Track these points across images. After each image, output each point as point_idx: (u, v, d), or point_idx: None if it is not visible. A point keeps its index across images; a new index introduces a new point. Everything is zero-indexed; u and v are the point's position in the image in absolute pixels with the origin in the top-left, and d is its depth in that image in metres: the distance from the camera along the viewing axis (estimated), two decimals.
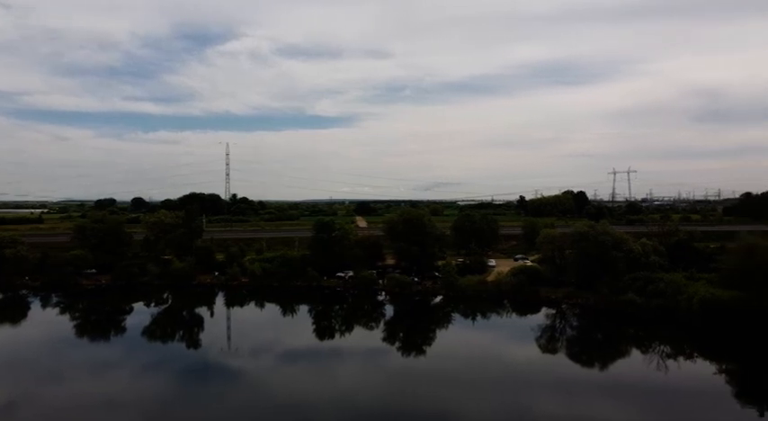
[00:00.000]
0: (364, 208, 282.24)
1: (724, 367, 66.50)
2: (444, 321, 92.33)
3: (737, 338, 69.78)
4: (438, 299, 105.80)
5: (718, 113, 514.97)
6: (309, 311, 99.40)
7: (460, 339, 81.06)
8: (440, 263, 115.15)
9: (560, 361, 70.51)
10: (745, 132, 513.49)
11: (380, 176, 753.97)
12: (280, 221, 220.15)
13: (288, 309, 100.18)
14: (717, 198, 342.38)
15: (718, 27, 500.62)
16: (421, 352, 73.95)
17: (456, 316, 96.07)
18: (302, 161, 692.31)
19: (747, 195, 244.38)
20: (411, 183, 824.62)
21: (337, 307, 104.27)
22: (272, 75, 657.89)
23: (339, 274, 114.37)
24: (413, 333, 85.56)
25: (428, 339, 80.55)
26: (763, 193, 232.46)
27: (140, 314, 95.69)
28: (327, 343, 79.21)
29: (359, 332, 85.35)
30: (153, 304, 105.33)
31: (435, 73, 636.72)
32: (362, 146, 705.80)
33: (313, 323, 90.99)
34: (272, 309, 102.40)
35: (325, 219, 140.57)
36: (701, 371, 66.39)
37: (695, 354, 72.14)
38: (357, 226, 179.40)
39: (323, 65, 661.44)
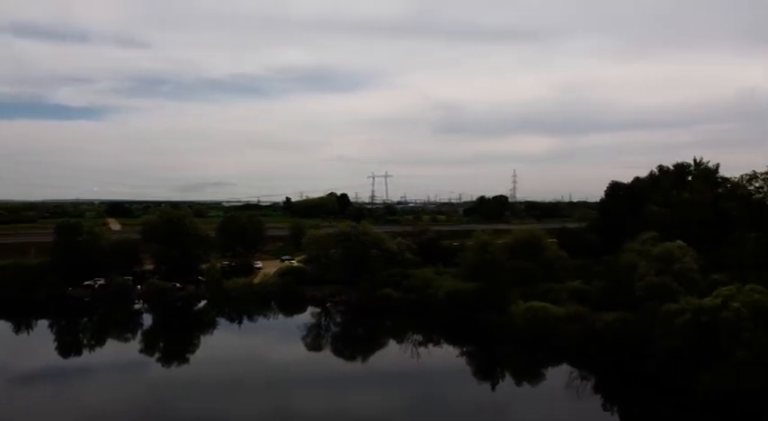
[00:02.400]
0: (118, 209, 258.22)
1: (465, 350, 75.42)
2: (209, 326, 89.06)
3: (476, 324, 79.73)
4: (202, 303, 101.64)
5: (458, 126, 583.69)
6: (50, 326, 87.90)
7: (226, 343, 79.04)
8: (204, 266, 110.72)
9: (325, 357, 72.94)
10: (479, 143, 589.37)
11: (138, 175, 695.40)
12: (12, 224, 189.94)
13: (22, 324, 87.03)
14: (458, 201, 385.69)
15: (459, 50, 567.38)
16: (184, 360, 70.24)
17: (221, 320, 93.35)
18: (42, 155, 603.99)
19: (482, 199, 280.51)
20: (172, 183, 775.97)
21: (86, 319, 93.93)
22: (0, 54, 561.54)
23: (87, 283, 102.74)
24: (174, 341, 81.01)
25: (191, 346, 76.84)
26: (494, 197, 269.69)
27: None
28: (74, 360, 70.72)
29: (112, 345, 77.93)
30: None
31: (198, 69, 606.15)
32: (116, 141, 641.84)
33: (55, 339, 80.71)
34: (0, 326, 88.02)
35: (70, 221, 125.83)
36: (446, 354, 74.56)
37: (442, 341, 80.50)
38: (109, 228, 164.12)
39: (66, 49, 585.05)
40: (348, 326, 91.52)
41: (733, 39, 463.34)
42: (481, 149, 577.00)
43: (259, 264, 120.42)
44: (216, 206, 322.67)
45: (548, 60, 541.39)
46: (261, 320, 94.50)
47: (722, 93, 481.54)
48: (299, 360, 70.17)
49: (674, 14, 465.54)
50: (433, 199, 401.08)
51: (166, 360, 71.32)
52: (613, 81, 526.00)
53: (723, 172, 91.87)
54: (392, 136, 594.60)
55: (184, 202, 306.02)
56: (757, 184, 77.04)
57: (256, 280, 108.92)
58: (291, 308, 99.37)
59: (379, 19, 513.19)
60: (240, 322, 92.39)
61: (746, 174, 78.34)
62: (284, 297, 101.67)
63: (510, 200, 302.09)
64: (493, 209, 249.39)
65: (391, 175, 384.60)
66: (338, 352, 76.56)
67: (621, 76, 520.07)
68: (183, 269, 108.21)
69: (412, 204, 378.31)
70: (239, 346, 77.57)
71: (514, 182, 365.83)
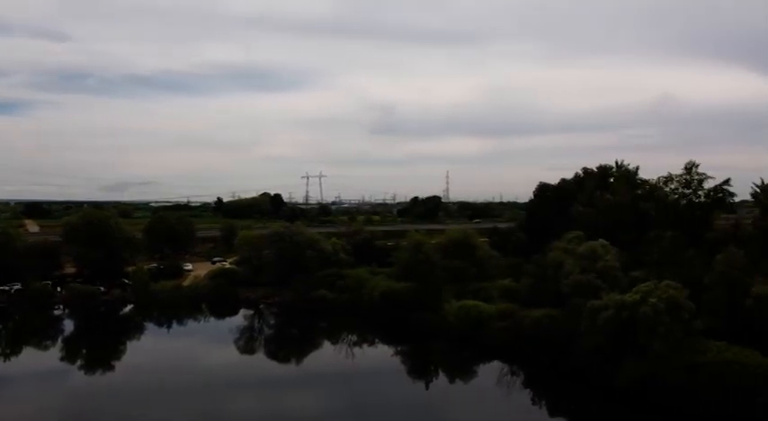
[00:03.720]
0: (36, 209, 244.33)
1: (399, 349, 76.00)
2: (135, 332, 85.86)
3: (410, 323, 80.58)
4: (128, 308, 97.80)
5: (392, 127, 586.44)
6: None
7: (154, 349, 76.43)
8: (130, 269, 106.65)
9: (259, 360, 71.82)
10: (413, 144, 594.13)
11: (58, 174, 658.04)
12: None
13: None
14: (393, 201, 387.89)
15: (393, 52, 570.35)
16: (109, 367, 67.35)
17: (149, 325, 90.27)
18: None
19: (415, 199, 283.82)
20: (96, 183, 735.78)
21: (0, 326, 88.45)
22: None
23: (2, 288, 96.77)
24: (98, 348, 77.51)
25: (117, 353, 73.75)
26: (427, 198, 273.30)
27: None
28: None
29: (30, 353, 73.92)
30: None
31: (123, 64, 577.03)
32: (34, 138, 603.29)
33: None
34: None
35: None
36: (381, 354, 74.97)
37: (377, 341, 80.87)
38: (27, 230, 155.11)
39: None
40: (282, 328, 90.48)
41: (652, 48, 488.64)
42: (415, 150, 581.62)
43: (189, 266, 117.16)
44: (143, 206, 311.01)
45: (480, 64, 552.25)
46: (191, 324, 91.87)
47: (642, 99, 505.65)
48: (230, 363, 68.64)
49: (598, 23, 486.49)
50: (367, 199, 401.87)
51: (89, 367, 68.11)
52: (542, 85, 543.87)
53: (642, 174, 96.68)
54: (326, 136, 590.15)
55: (109, 203, 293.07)
56: (673, 186, 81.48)
57: (186, 282, 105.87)
58: (223, 310, 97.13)
59: (314, 18, 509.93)
60: (169, 326, 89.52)
61: (663, 177, 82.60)
62: (216, 299, 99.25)
63: (443, 200, 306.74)
64: (427, 209, 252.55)
65: (326, 176, 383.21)
66: (272, 354, 75.50)
67: (550, 80, 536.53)
68: (108, 272, 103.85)
69: (346, 204, 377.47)
70: (168, 351, 75.19)
71: (447, 182, 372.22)
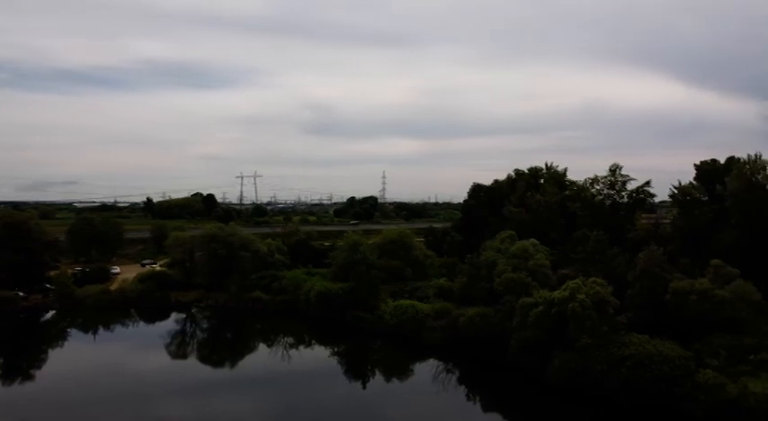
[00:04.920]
0: None
1: (336, 350, 75.74)
2: (58, 339, 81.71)
3: (347, 323, 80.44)
4: (51, 314, 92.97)
5: (330, 127, 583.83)
6: None
7: (79, 356, 72.94)
8: (52, 273, 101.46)
9: (191, 365, 69.84)
10: (350, 145, 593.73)
11: None
12: None
13: None
14: (329, 201, 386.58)
15: (333, 53, 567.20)
16: (28, 377, 63.85)
17: (73, 331, 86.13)
18: None
19: (352, 199, 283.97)
20: (14, 182, 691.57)
21: None
22: None
23: None
24: (17, 356, 73.30)
25: (37, 361, 70.01)
26: (363, 198, 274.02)
27: None
28: None
29: None
30: None
31: (43, 57, 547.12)
32: None
33: None
34: None
35: None
36: (318, 355, 74.44)
37: (313, 342, 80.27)
38: None
39: None
40: (215, 332, 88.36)
41: (584, 54, 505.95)
42: (352, 151, 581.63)
43: (116, 270, 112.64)
44: (66, 207, 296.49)
45: (417, 66, 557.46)
46: (119, 329, 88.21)
47: (573, 103, 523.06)
48: (161, 369, 66.53)
49: (533, 28, 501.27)
50: (303, 199, 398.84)
51: (7, 377, 64.28)
52: (478, 88, 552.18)
53: (574, 175, 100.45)
54: (263, 135, 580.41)
55: (28, 203, 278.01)
56: (598, 187, 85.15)
57: (114, 286, 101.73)
58: (154, 314, 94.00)
59: (252, 16, 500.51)
60: (95, 332, 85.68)
61: (589, 178, 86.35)
62: (145, 303, 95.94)
63: (380, 200, 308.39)
64: (363, 209, 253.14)
65: (261, 176, 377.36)
66: (205, 358, 73.55)
67: (485, 83, 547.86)
68: (28, 277, 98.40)
69: (282, 205, 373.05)
70: (94, 358, 71.89)
71: (384, 183, 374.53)
